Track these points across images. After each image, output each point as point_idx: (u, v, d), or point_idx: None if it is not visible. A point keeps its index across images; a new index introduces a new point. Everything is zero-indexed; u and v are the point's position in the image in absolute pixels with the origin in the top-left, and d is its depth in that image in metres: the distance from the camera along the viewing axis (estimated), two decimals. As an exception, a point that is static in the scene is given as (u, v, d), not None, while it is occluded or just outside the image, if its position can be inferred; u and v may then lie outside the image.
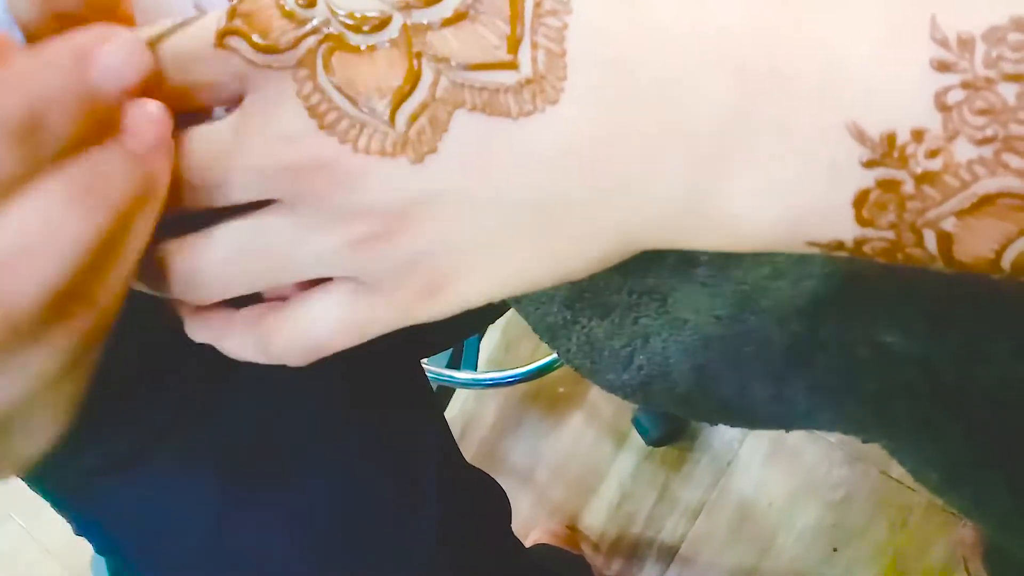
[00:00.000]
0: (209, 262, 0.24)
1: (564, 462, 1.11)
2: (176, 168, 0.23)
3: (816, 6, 0.20)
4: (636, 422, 1.07)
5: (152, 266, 0.24)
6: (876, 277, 0.28)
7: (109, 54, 0.21)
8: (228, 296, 0.25)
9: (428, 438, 0.56)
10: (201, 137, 0.23)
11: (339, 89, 0.22)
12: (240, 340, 0.25)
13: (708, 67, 0.21)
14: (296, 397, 0.47)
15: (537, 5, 0.21)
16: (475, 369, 1.01)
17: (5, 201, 0.19)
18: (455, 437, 0.64)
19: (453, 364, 1.00)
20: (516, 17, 0.21)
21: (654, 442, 1.07)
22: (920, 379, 0.28)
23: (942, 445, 0.28)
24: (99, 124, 0.21)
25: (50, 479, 0.44)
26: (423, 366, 0.78)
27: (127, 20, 0.24)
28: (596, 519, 1.09)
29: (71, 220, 0.20)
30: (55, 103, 0.20)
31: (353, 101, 0.21)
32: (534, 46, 0.21)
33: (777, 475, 1.05)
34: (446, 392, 1.05)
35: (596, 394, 1.12)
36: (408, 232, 0.23)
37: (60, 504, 0.45)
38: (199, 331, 0.26)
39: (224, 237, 0.24)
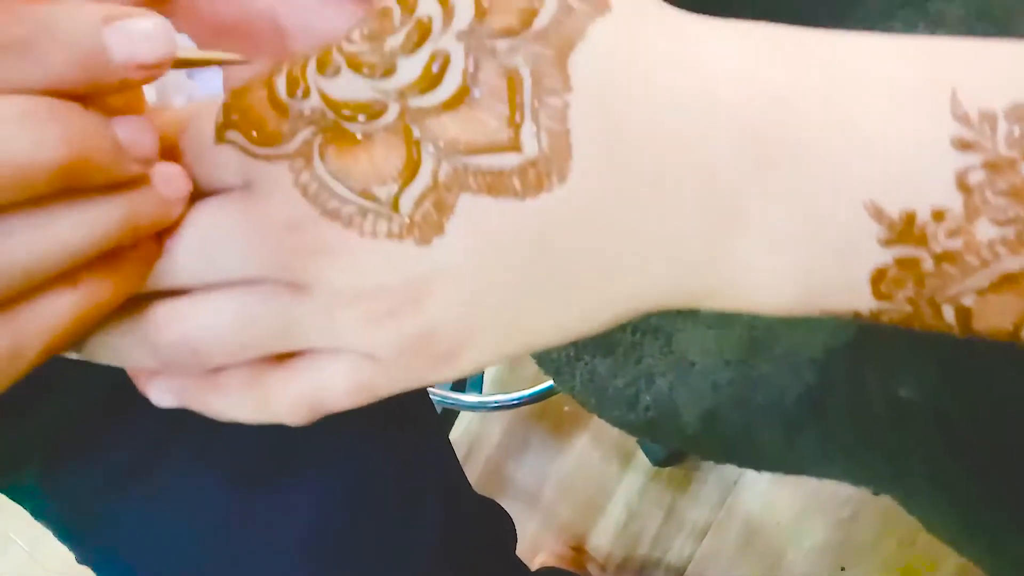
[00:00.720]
0: (209, 328, 0.23)
1: (570, 482, 1.10)
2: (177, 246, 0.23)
3: (832, 77, 0.20)
4: (642, 442, 1.07)
5: (129, 331, 0.24)
6: (890, 332, 0.28)
7: (132, 23, 0.20)
8: (225, 363, 0.24)
9: (431, 459, 0.56)
10: (204, 215, 0.23)
11: (337, 178, 0.21)
12: (234, 401, 0.25)
13: (719, 140, 0.20)
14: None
15: (536, 85, 0.20)
16: (480, 391, 1.01)
17: None
18: (460, 458, 0.64)
19: (458, 386, 0.99)
20: (515, 99, 0.20)
21: (660, 462, 1.06)
22: (934, 432, 0.27)
23: (956, 496, 0.28)
24: (85, 78, 0.20)
25: (56, 502, 0.44)
26: (428, 389, 0.78)
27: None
28: (603, 540, 1.08)
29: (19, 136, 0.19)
30: (55, 36, 0.19)
31: (352, 189, 0.21)
32: (536, 127, 0.20)
33: (784, 493, 1.04)
34: (451, 413, 1.04)
35: (601, 413, 1.11)
36: (417, 308, 0.22)
37: (65, 531, 0.45)
38: (175, 395, 0.25)
39: (229, 305, 0.23)
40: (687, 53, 0.21)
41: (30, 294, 0.20)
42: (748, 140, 0.20)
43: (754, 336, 0.34)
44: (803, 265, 0.20)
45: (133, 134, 0.21)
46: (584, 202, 0.21)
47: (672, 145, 0.21)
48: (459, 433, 1.15)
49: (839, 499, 1.02)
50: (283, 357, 0.24)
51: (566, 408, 1.13)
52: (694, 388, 0.35)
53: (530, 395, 0.96)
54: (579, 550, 1.07)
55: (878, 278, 0.19)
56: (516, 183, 0.21)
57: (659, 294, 0.22)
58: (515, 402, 0.97)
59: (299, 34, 0.25)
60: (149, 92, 0.25)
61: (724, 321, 0.36)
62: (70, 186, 0.20)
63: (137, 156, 0.21)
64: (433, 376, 0.24)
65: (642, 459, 1.08)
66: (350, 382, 0.24)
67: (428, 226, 0.21)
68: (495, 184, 0.21)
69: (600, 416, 0.41)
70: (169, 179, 0.22)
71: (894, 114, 0.19)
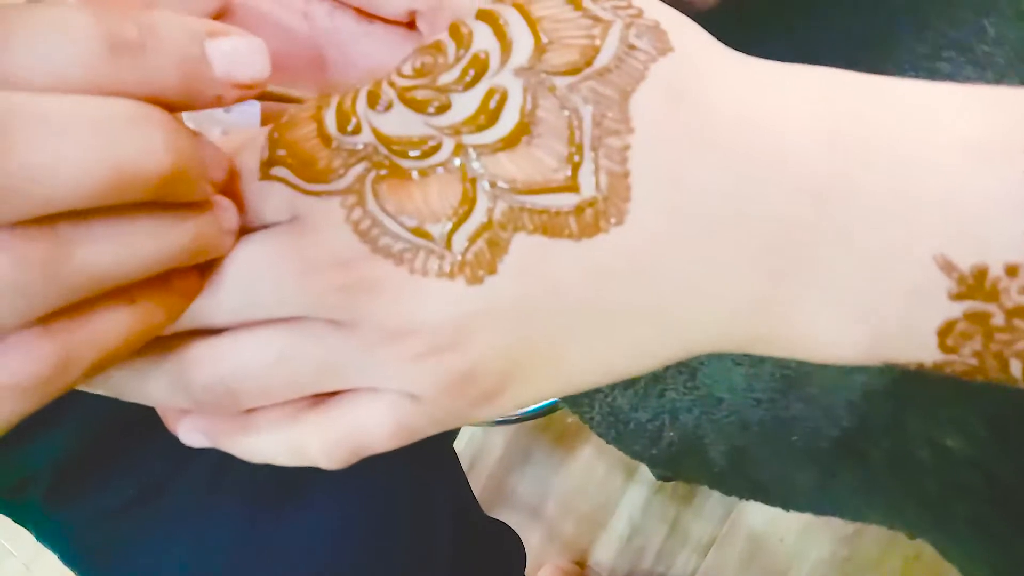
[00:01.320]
0: (249, 369, 0.22)
1: (573, 496, 1.10)
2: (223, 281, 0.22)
3: (901, 127, 0.19)
4: (646, 456, 1.06)
5: (161, 368, 0.23)
6: (933, 378, 0.28)
7: (234, 42, 0.20)
8: (261, 404, 0.24)
9: (443, 481, 0.56)
10: (248, 251, 0.22)
11: (390, 214, 0.21)
12: (267, 443, 0.24)
13: (782, 186, 0.20)
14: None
15: (596, 125, 0.20)
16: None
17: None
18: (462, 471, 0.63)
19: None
20: (574, 138, 0.20)
21: (665, 476, 1.05)
22: (980, 482, 0.27)
23: (999, 548, 0.28)
24: (186, 89, 0.20)
25: (63, 525, 0.43)
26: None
27: None
28: (606, 554, 1.07)
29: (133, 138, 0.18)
30: (163, 43, 0.19)
31: (405, 226, 0.21)
32: (595, 168, 0.20)
33: (788, 508, 1.03)
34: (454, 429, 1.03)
35: (605, 427, 1.10)
36: (462, 347, 0.22)
37: (71, 554, 0.45)
38: (205, 435, 0.24)
39: (272, 344, 0.22)
40: (752, 98, 0.21)
41: (89, 306, 0.19)
42: (815, 189, 0.19)
43: (786, 374, 0.33)
44: (868, 317, 0.20)
45: (212, 154, 0.21)
46: (640, 245, 0.20)
47: (734, 190, 0.20)
48: (461, 446, 1.14)
49: (843, 514, 1.01)
50: (318, 397, 0.24)
51: (569, 420, 1.12)
52: (721, 425, 0.35)
53: (535, 410, 0.96)
54: (582, 564, 1.07)
55: (945, 331, 0.19)
56: (572, 224, 0.20)
57: (712, 339, 0.22)
58: (519, 418, 0.96)
59: (340, 66, 0.24)
60: (186, 123, 0.24)
61: (753, 358, 0.35)
62: (163, 197, 0.19)
63: (214, 178, 0.21)
64: (475, 415, 0.23)
65: (645, 472, 1.08)
66: (391, 422, 0.23)
67: (480, 265, 0.21)
68: (551, 224, 0.20)
69: (620, 449, 0.40)
70: (226, 209, 0.21)
71: (966, 169, 0.18)
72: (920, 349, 0.20)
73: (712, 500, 1.06)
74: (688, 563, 1.05)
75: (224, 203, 0.21)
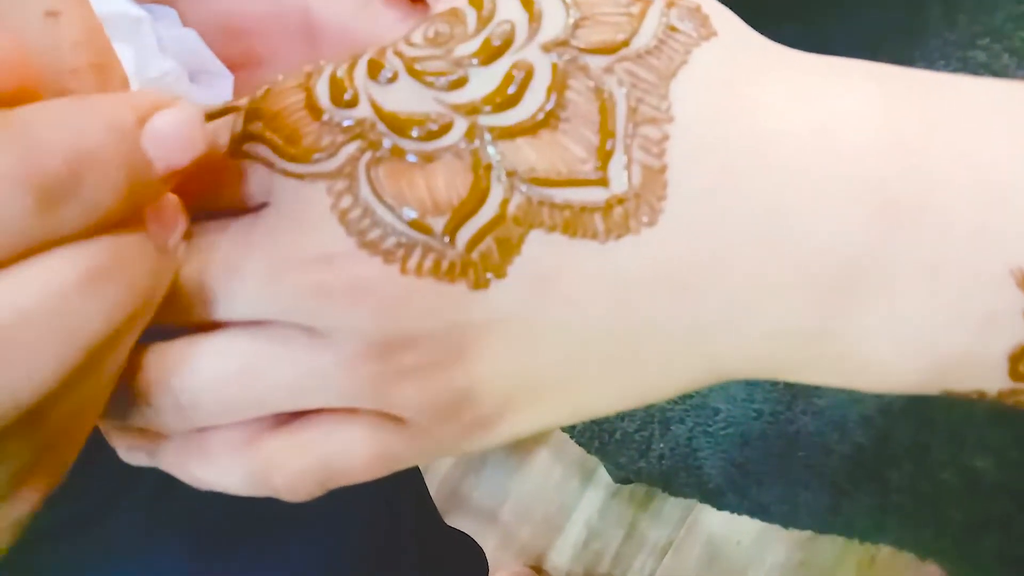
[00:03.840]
0: (206, 379, 0.19)
1: (529, 500, 1.08)
2: (177, 277, 0.19)
3: (968, 129, 0.17)
4: (604, 459, 1.04)
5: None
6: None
7: (167, 123, 0.16)
8: (217, 423, 0.20)
9: (406, 502, 0.53)
10: (207, 241, 0.19)
11: (385, 204, 0.17)
12: (223, 469, 0.20)
13: (839, 194, 0.17)
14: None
15: (632, 111, 0.17)
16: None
17: (9, 264, 0.14)
18: (416, 475, 0.61)
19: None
20: (607, 126, 0.17)
21: (623, 479, 1.04)
22: (1016, 513, 0.25)
23: (1029, 577, 0.26)
24: (130, 203, 0.16)
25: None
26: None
27: None
28: (562, 559, 1.06)
29: (86, 301, 0.15)
30: (99, 164, 0.15)
31: (403, 218, 0.18)
32: (629, 160, 0.17)
33: (746, 512, 1.03)
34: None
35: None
36: (458, 363, 0.19)
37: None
38: (149, 455, 0.21)
39: (232, 350, 0.19)
40: (801, 89, 0.18)
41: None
42: (873, 195, 0.17)
43: (790, 384, 0.31)
44: (933, 341, 0.17)
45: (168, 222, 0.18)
46: (673, 251, 0.18)
47: (781, 197, 0.17)
48: (415, 448, 1.11)
49: (800, 518, 1.02)
50: (285, 416, 0.20)
51: (526, 422, 1.10)
52: (718, 438, 0.32)
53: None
54: (538, 569, 1.05)
55: (1019, 356, 0.17)
56: (598, 222, 0.17)
57: (746, 364, 0.19)
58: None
59: (335, 37, 0.21)
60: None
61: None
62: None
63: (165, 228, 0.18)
64: (465, 445, 0.20)
65: (602, 476, 1.06)
66: (369, 450, 0.20)
67: (487, 267, 0.18)
68: (573, 222, 0.17)
69: (603, 462, 0.37)
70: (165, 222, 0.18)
71: None
72: (986, 376, 0.18)
73: (669, 504, 1.05)
74: (645, 567, 1.04)
75: (167, 216, 0.18)
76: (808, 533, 1.01)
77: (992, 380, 0.17)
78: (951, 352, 0.17)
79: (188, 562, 0.39)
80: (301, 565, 0.41)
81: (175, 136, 0.16)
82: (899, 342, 0.18)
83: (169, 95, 0.16)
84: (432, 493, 1.08)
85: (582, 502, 1.07)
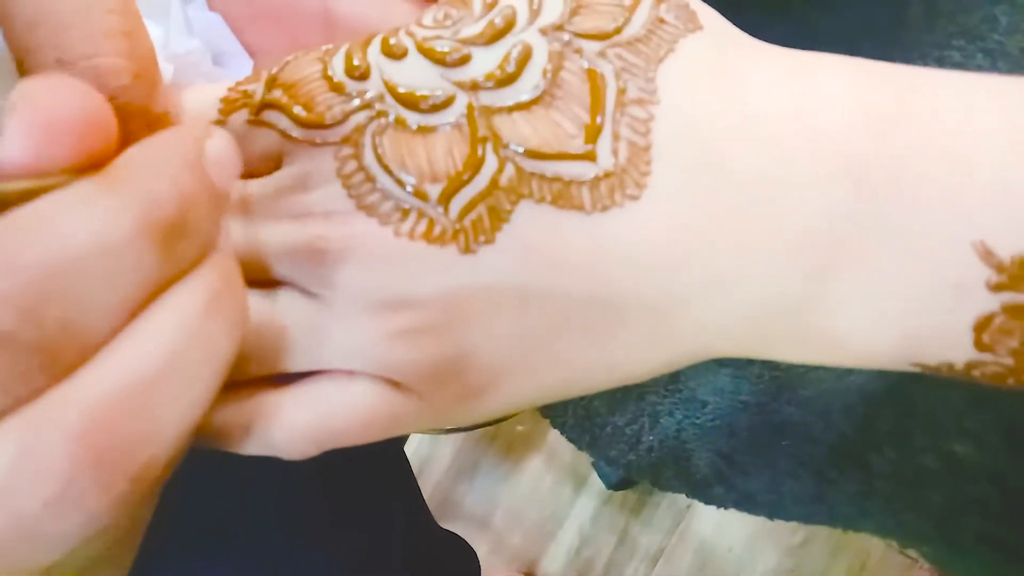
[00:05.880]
0: None
1: (522, 507, 1.08)
2: None
3: (940, 109, 0.18)
4: (597, 465, 1.05)
5: None
6: (940, 382, 0.26)
7: (219, 149, 0.17)
8: None
9: (396, 502, 0.53)
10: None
11: (387, 170, 0.19)
12: (223, 425, 0.21)
13: (819, 169, 0.18)
14: (258, 462, 0.43)
15: (621, 92, 0.19)
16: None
17: (145, 307, 0.15)
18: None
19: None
20: (597, 105, 0.18)
21: (615, 486, 1.04)
22: (994, 495, 0.26)
23: (1010, 559, 0.26)
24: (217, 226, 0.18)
25: None
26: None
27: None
28: (554, 566, 1.06)
29: (214, 324, 0.16)
30: (196, 201, 0.16)
31: (401, 183, 0.19)
32: (615, 137, 0.18)
33: (737, 519, 1.03)
34: (401, 437, 1.00)
35: (556, 435, 1.09)
36: (451, 327, 0.19)
37: None
38: None
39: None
40: (782, 75, 0.19)
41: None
42: (850, 170, 0.18)
43: (775, 376, 0.32)
44: (905, 311, 0.18)
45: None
46: (658, 225, 0.19)
47: (763, 171, 0.18)
48: (408, 455, 1.11)
49: (791, 526, 1.02)
50: (286, 378, 0.21)
51: (519, 428, 1.10)
52: (706, 430, 0.33)
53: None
54: (530, 576, 1.05)
55: (982, 326, 0.18)
56: (585, 195, 0.19)
57: (727, 336, 0.20)
58: (469, 427, 0.94)
59: (351, 24, 0.23)
60: (168, 75, 0.21)
61: (738, 360, 0.33)
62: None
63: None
64: (459, 413, 0.21)
65: (595, 482, 1.07)
66: (365, 411, 0.20)
67: (477, 233, 0.19)
68: (562, 194, 0.19)
69: (594, 456, 0.38)
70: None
71: (1008, 143, 0.17)
72: (953, 347, 0.18)
73: (661, 510, 1.06)
74: (637, 573, 1.04)
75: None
76: (798, 539, 1.01)
77: (959, 351, 0.18)
78: (921, 323, 0.18)
79: (179, 564, 0.39)
80: (295, 567, 0.41)
81: (228, 159, 0.17)
82: (873, 312, 0.18)
83: (200, 124, 0.18)
84: (425, 498, 1.08)
85: (574, 509, 1.07)
